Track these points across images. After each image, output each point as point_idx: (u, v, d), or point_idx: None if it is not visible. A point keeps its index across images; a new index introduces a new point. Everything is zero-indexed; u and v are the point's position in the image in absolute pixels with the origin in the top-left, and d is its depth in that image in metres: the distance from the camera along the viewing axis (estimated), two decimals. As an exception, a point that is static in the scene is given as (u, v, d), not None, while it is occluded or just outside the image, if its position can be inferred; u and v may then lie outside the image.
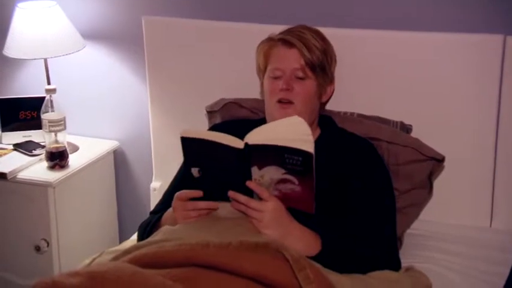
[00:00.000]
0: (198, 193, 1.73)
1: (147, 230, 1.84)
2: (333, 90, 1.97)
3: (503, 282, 1.73)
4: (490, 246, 1.89)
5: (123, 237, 2.53)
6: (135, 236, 1.94)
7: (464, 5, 2.06)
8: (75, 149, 2.56)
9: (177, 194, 1.76)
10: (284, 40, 1.85)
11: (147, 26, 2.35)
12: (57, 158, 2.37)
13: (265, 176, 1.66)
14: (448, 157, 2.02)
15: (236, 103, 2.12)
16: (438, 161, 1.99)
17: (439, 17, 2.09)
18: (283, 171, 1.65)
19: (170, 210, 1.79)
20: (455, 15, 2.09)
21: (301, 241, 1.66)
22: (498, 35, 1.97)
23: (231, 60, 2.25)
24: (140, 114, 2.53)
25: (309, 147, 1.59)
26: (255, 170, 1.66)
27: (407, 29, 2.12)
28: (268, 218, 1.65)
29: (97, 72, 2.58)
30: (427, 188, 2.04)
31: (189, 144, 1.70)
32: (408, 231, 2.06)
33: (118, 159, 2.66)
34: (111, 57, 2.56)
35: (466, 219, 2.13)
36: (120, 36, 2.50)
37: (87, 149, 2.58)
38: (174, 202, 1.76)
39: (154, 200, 2.30)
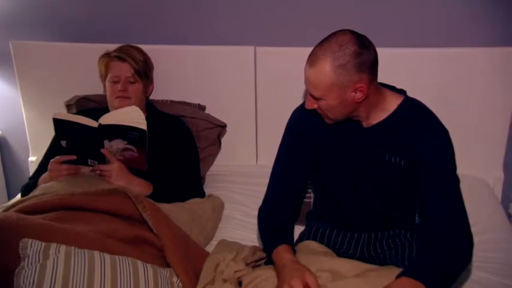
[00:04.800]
0: (70, 157, 1.75)
1: (27, 189, 1.84)
2: (153, 87, 1.99)
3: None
4: (258, 175, 2.03)
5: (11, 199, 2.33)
6: (19, 196, 1.87)
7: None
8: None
9: (54, 159, 1.75)
10: (119, 57, 1.87)
11: (14, 47, 2.23)
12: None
13: (113, 146, 1.77)
14: (229, 122, 2.15)
15: (85, 98, 2.11)
16: (222, 126, 2.16)
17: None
18: (126, 142, 1.73)
19: (45, 174, 1.82)
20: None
21: (138, 186, 1.76)
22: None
23: (82, 68, 2.21)
24: (15, 110, 2.39)
25: (143, 126, 1.69)
26: (106, 142, 1.75)
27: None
28: (114, 174, 1.74)
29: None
30: (217, 144, 2.21)
31: (59, 124, 1.74)
32: (208, 172, 2.19)
33: (2, 143, 2.45)
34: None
35: (242, 160, 2.25)
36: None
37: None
38: (51, 165, 1.75)
39: (32, 170, 2.23)
